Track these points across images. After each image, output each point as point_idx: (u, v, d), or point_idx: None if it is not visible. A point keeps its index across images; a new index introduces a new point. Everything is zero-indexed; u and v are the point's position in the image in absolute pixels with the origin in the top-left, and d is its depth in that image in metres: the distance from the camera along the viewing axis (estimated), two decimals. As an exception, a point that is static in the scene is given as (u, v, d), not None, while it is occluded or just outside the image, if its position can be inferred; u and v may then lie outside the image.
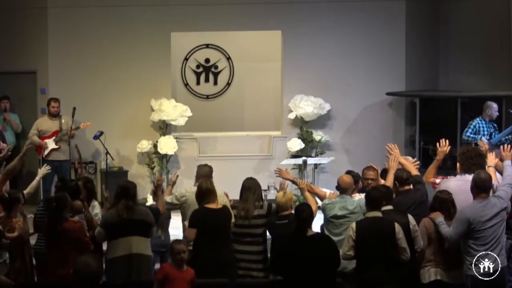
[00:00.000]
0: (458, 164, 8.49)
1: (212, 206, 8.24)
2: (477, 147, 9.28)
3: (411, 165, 8.76)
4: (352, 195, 8.51)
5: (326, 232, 8.36)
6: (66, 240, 7.88)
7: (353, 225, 7.66)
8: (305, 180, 9.70)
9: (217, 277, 7.83)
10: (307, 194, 8.69)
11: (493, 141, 11.44)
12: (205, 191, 8.29)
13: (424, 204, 8.32)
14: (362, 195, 8.29)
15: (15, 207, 8.41)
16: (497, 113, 11.86)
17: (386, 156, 8.85)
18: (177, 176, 9.44)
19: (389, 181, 8.48)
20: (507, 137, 11.55)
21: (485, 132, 11.73)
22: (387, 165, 8.82)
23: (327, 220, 8.36)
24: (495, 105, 11.90)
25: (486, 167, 8.33)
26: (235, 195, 8.85)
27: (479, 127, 11.78)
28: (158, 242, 8.91)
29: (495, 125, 11.90)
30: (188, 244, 8.17)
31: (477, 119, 11.90)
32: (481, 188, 7.69)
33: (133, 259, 8.19)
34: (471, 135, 11.63)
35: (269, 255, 8.54)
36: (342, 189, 8.44)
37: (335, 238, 8.12)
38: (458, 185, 8.15)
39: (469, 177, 7.99)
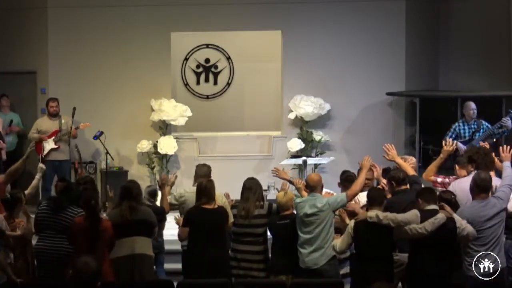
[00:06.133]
0: (470, 165, 8.47)
1: (207, 206, 8.25)
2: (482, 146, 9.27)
3: (408, 165, 8.77)
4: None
5: (298, 231, 8.35)
6: (104, 239, 7.92)
7: (352, 223, 7.81)
8: (304, 180, 9.70)
9: (211, 277, 7.84)
10: (304, 193, 8.70)
11: (475, 142, 11.47)
12: (207, 190, 8.27)
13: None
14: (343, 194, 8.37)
15: (18, 207, 8.43)
16: (475, 111, 11.81)
17: (383, 157, 8.86)
18: (176, 176, 9.45)
19: (359, 180, 8.41)
20: (496, 133, 11.64)
21: (466, 134, 11.75)
22: (391, 160, 8.81)
23: (299, 219, 8.34)
24: (472, 105, 11.86)
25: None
26: (235, 195, 8.86)
27: (459, 129, 11.80)
28: (153, 244, 8.88)
29: (484, 123, 11.86)
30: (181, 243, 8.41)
31: (458, 122, 11.92)
32: (481, 188, 7.69)
33: (136, 259, 8.24)
34: (450, 139, 11.54)
35: (269, 255, 8.55)
36: (310, 187, 8.44)
37: (305, 236, 8.23)
38: None
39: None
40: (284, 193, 8.47)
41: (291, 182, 9.10)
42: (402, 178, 8.34)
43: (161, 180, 9.25)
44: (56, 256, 8.11)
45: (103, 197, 11.12)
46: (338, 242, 7.91)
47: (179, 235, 8.49)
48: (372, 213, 7.60)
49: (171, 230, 10.75)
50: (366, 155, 8.68)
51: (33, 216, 8.58)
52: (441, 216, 7.45)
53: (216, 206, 8.31)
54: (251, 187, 8.54)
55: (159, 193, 9.39)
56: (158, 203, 9.35)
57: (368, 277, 7.35)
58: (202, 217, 8.21)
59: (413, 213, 7.52)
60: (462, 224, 7.48)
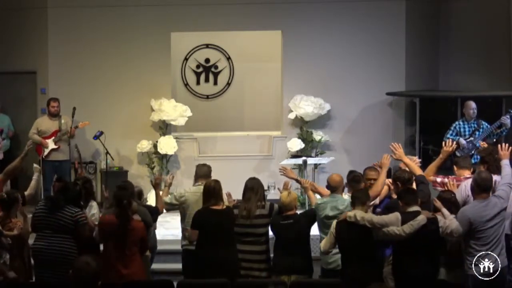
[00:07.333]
0: (482, 165, 8.48)
1: (216, 207, 8.24)
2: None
3: (416, 165, 8.76)
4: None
5: (320, 233, 8.35)
6: (133, 240, 7.89)
7: (334, 223, 7.84)
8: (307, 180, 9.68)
9: (220, 277, 7.83)
10: (310, 193, 8.72)
11: (475, 141, 11.47)
12: (216, 191, 8.25)
13: (426, 205, 8.29)
14: None
15: (14, 207, 8.41)
16: (475, 111, 11.78)
17: (391, 156, 8.84)
18: (173, 177, 9.43)
19: (381, 180, 8.47)
20: (495, 133, 11.64)
21: (466, 133, 11.76)
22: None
23: (321, 220, 8.37)
24: (472, 104, 11.83)
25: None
26: (235, 195, 8.86)
27: (459, 128, 11.80)
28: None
29: (484, 123, 11.86)
30: (191, 244, 8.39)
31: (459, 120, 11.92)
32: (482, 187, 7.70)
33: None
34: (451, 137, 11.56)
35: (271, 255, 8.55)
36: (332, 187, 8.48)
37: None
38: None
39: (496, 177, 7.99)
40: (288, 193, 8.46)
41: (298, 181, 9.11)
42: (407, 179, 8.31)
43: (155, 180, 9.23)
44: (54, 255, 8.10)
45: (102, 197, 11.11)
46: (322, 242, 7.95)
47: (189, 237, 8.48)
48: (351, 213, 7.63)
49: (171, 230, 10.80)
50: (385, 154, 8.73)
51: (30, 215, 8.57)
52: (420, 218, 7.45)
53: (224, 207, 8.30)
54: (253, 187, 8.52)
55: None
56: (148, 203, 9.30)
57: (353, 277, 7.41)
58: (210, 218, 8.18)
59: (394, 216, 7.53)
60: (446, 222, 7.48)
